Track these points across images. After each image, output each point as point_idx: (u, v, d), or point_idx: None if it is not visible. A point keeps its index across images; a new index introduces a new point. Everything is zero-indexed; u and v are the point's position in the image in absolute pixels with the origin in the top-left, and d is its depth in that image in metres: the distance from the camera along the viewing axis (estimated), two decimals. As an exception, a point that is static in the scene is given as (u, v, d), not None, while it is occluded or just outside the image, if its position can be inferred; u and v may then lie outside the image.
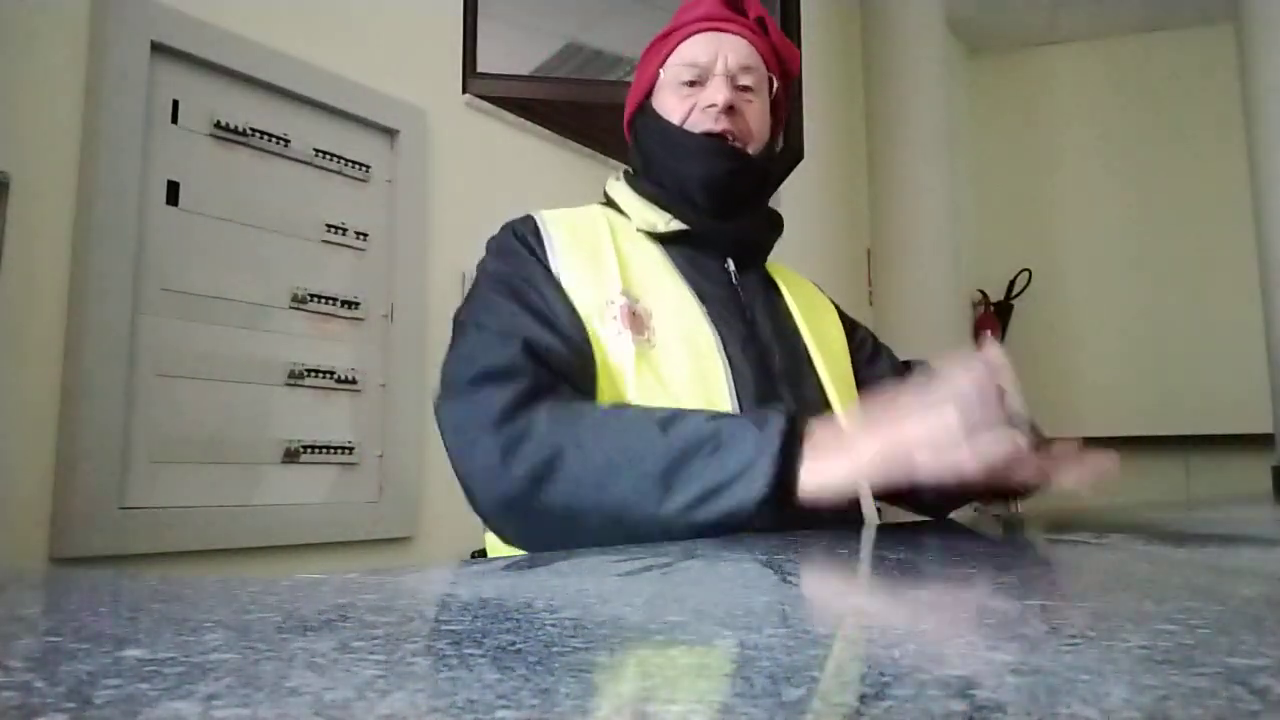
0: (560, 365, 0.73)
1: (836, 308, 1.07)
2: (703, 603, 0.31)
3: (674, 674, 0.21)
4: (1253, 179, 3.05)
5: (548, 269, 0.81)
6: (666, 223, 0.88)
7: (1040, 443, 0.78)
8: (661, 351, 0.79)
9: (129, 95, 1.29)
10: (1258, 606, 0.30)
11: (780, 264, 1.05)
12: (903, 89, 3.32)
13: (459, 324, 0.79)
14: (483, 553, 0.91)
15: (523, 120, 1.97)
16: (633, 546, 0.56)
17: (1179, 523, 0.79)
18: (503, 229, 0.87)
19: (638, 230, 0.89)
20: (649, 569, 0.40)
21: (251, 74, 1.46)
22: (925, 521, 0.86)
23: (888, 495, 0.87)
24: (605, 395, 0.77)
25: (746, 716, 0.16)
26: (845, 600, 0.36)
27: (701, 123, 0.88)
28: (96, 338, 1.22)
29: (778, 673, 0.20)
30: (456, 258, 1.75)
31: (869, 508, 0.85)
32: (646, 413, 0.68)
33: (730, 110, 0.87)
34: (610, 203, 0.94)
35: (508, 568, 0.42)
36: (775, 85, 0.94)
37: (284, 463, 1.46)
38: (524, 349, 0.71)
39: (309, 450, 1.49)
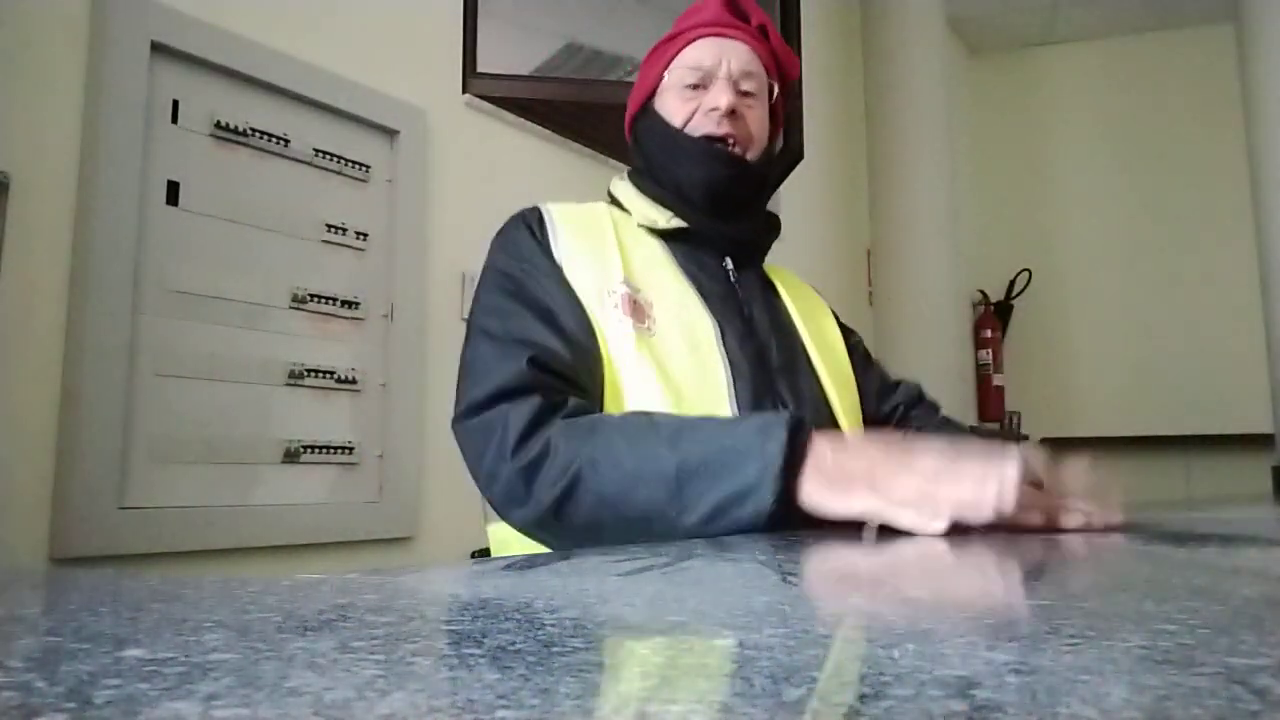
0: (567, 371, 0.76)
1: (834, 313, 1.08)
2: (703, 603, 0.31)
3: (674, 674, 0.21)
4: (1253, 179, 3.05)
5: (551, 259, 0.83)
6: (668, 219, 0.90)
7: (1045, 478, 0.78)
8: (661, 340, 0.81)
9: (129, 95, 1.29)
10: (1258, 606, 0.30)
11: (780, 265, 1.06)
12: (903, 89, 3.33)
13: (470, 327, 0.81)
14: (483, 552, 0.91)
15: (523, 120, 1.97)
16: (633, 546, 0.56)
17: (1179, 523, 0.79)
18: (509, 220, 0.89)
19: (639, 226, 0.91)
20: (649, 569, 0.40)
21: (251, 74, 1.46)
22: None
23: None
24: (607, 382, 0.79)
25: (746, 716, 0.16)
26: (845, 600, 0.36)
27: (704, 126, 0.90)
28: (96, 338, 1.22)
29: (778, 673, 0.20)
30: (456, 258, 1.75)
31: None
32: (655, 424, 0.70)
33: (732, 114, 0.89)
34: (614, 201, 0.96)
35: (508, 568, 0.42)
36: (775, 91, 0.96)
37: (284, 463, 1.46)
38: (531, 362, 0.74)
39: (309, 450, 1.49)
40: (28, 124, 1.21)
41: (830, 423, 0.89)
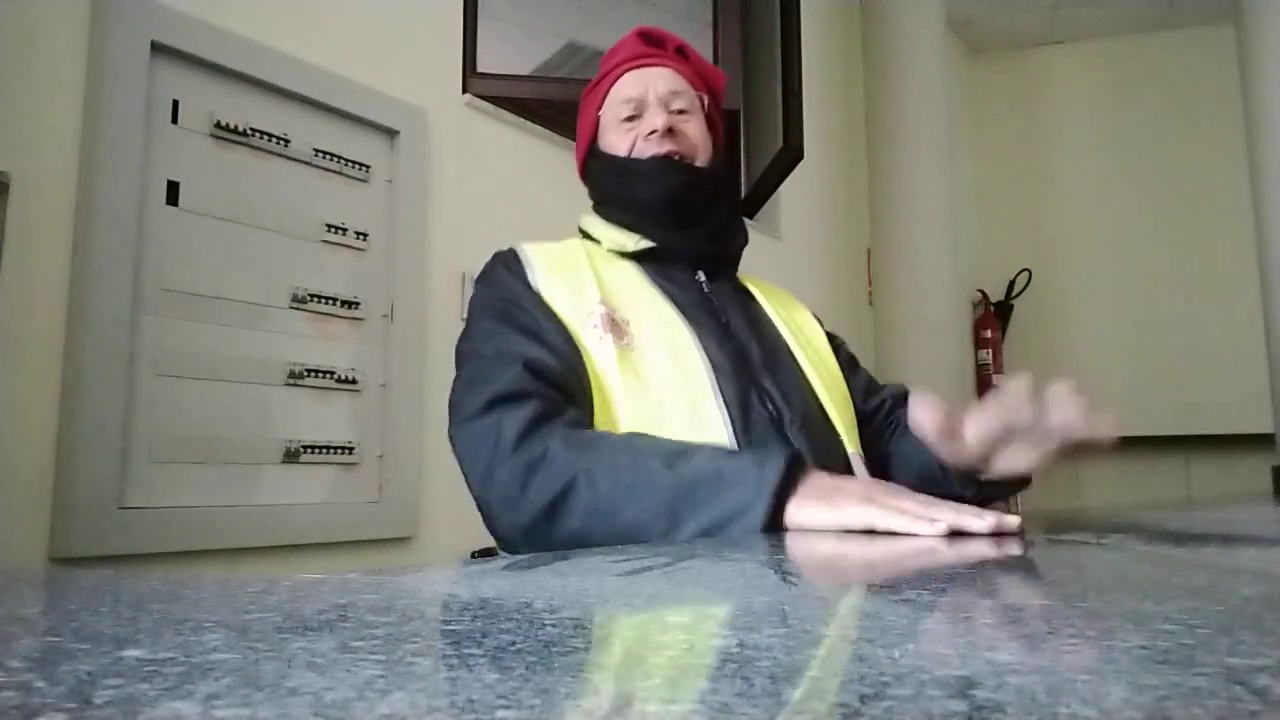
0: (560, 381, 0.78)
1: (818, 320, 1.11)
2: (703, 603, 0.31)
3: (674, 674, 0.21)
4: (1253, 178, 3.05)
5: (531, 289, 0.86)
6: (635, 242, 0.94)
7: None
8: (641, 354, 0.83)
9: (129, 95, 1.29)
10: (1258, 606, 0.30)
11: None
12: (903, 89, 3.32)
13: (460, 354, 0.85)
14: (483, 552, 0.92)
15: (523, 120, 1.97)
16: (633, 546, 0.56)
17: (1179, 523, 0.79)
18: (488, 261, 0.93)
19: (610, 251, 0.95)
20: (649, 569, 0.40)
21: (251, 74, 1.46)
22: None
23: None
24: (595, 399, 0.81)
25: (746, 716, 0.16)
26: (845, 600, 0.36)
27: (647, 149, 0.94)
28: (96, 338, 1.22)
29: (778, 673, 0.20)
30: (456, 258, 1.75)
31: None
32: (655, 445, 0.71)
33: (670, 132, 0.94)
34: (585, 235, 1.00)
35: (508, 568, 0.42)
36: (706, 102, 1.01)
37: (284, 463, 1.46)
38: (526, 369, 0.76)
39: (309, 450, 1.49)
40: (28, 124, 1.21)
41: (819, 413, 0.90)
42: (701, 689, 0.19)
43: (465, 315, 0.90)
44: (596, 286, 0.87)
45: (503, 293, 0.86)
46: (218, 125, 1.42)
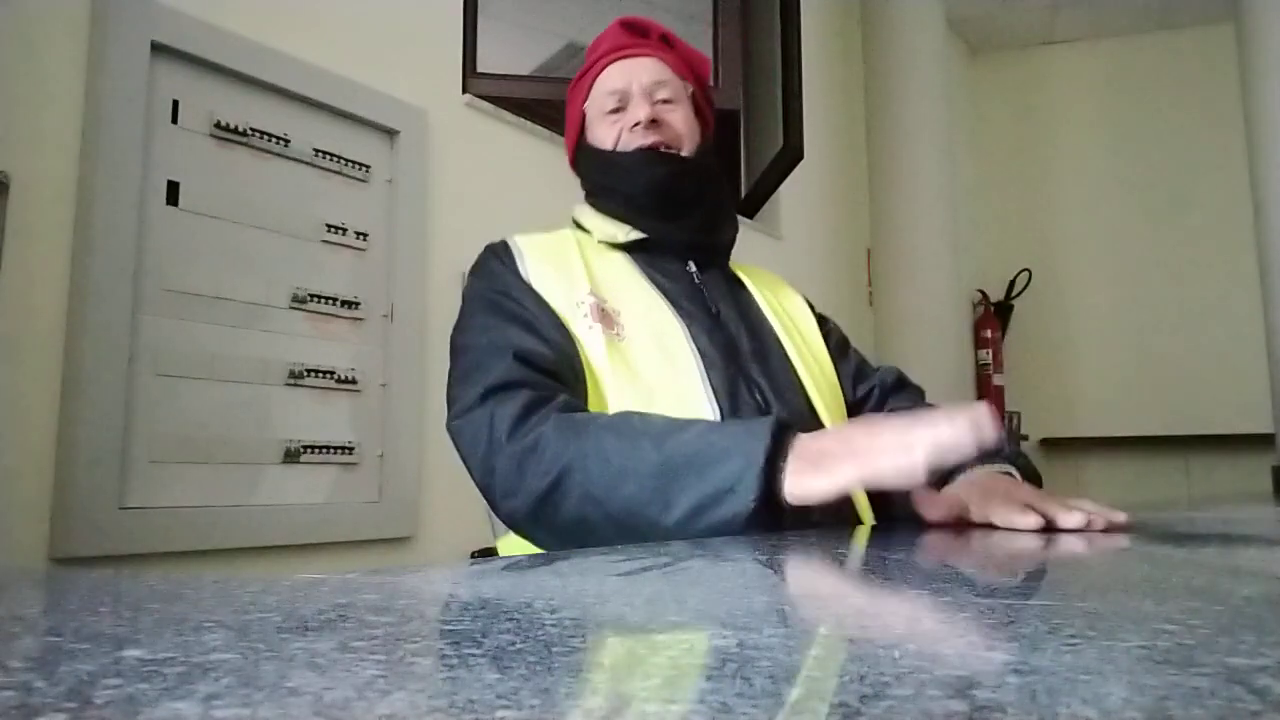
0: (551, 367, 0.79)
1: (810, 306, 1.10)
2: (703, 603, 0.31)
3: (674, 674, 0.21)
4: (1252, 178, 3.05)
5: (523, 280, 0.87)
6: (626, 233, 0.95)
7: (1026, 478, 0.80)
8: (631, 344, 0.84)
9: (129, 95, 1.29)
10: (1258, 606, 0.30)
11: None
12: (903, 89, 3.32)
13: (454, 346, 0.86)
14: (483, 552, 0.92)
15: (523, 120, 1.97)
16: (633, 546, 0.56)
17: (1179, 523, 0.79)
18: (481, 253, 0.93)
19: (600, 242, 0.96)
20: (649, 569, 0.40)
21: (251, 74, 1.46)
22: (923, 522, 0.86)
23: (875, 506, 0.90)
24: (587, 389, 0.81)
25: (746, 716, 0.16)
26: (845, 600, 0.36)
27: (632, 141, 0.95)
28: (96, 338, 1.22)
29: (778, 673, 0.20)
30: (456, 258, 1.75)
31: (863, 506, 0.87)
32: (645, 424, 0.71)
33: (655, 124, 0.94)
34: (578, 225, 1.00)
35: (508, 568, 0.42)
36: (692, 90, 1.01)
37: (284, 463, 1.46)
38: (517, 359, 0.77)
39: (309, 450, 1.49)
40: (28, 124, 1.21)
41: (806, 406, 0.90)
42: (701, 689, 0.19)
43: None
44: (586, 277, 0.88)
45: (495, 284, 0.87)
46: (218, 125, 1.42)
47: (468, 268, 0.94)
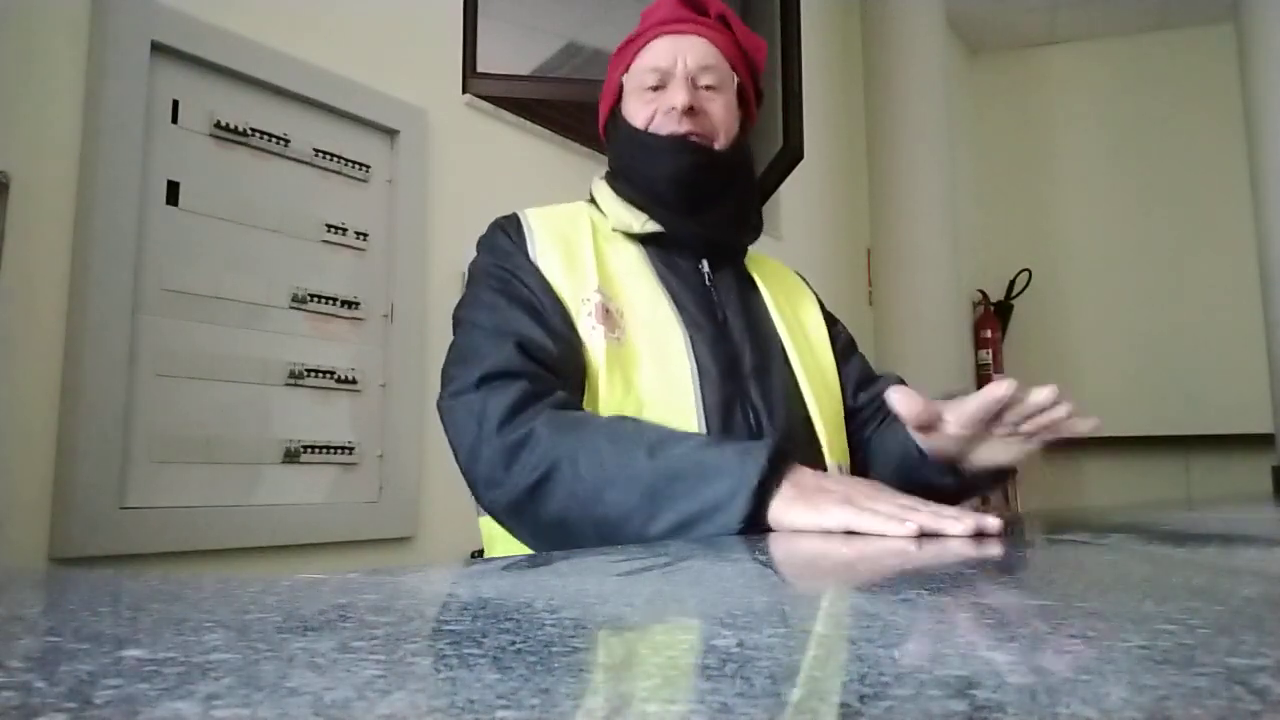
0: (552, 361, 0.77)
1: (819, 302, 1.07)
2: (703, 603, 0.31)
3: (674, 674, 0.21)
4: (1252, 178, 3.05)
5: (531, 262, 0.84)
6: (642, 224, 0.91)
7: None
8: (630, 350, 0.82)
9: (129, 95, 1.29)
10: (1258, 606, 0.30)
11: (766, 256, 1.05)
12: (903, 89, 3.32)
13: (457, 321, 0.83)
14: (483, 552, 0.91)
15: (523, 120, 1.97)
16: (633, 546, 0.56)
17: (1179, 523, 0.79)
18: (490, 226, 0.90)
19: (614, 230, 0.92)
20: (649, 569, 0.40)
21: (251, 74, 1.46)
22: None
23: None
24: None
25: (746, 716, 0.16)
26: (845, 600, 0.36)
27: (665, 125, 0.90)
28: (96, 338, 1.22)
29: (778, 673, 0.20)
30: (456, 258, 1.75)
31: None
32: (640, 431, 0.70)
33: (691, 111, 0.89)
34: (594, 201, 0.97)
35: (508, 568, 0.42)
36: (739, 80, 0.95)
37: (284, 463, 1.46)
38: (518, 348, 0.75)
39: (309, 450, 1.49)
40: (28, 124, 1.21)
41: (804, 421, 0.89)
42: (701, 689, 0.19)
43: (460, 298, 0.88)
44: (595, 270, 0.85)
45: (505, 262, 0.84)
46: (218, 125, 1.42)
47: (467, 267, 0.92)
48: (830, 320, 1.06)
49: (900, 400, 0.74)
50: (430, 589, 0.37)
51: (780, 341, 0.93)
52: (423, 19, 1.80)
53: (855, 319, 3.26)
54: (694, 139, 0.90)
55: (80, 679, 0.18)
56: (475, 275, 0.86)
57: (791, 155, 2.42)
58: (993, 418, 0.75)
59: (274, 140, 1.50)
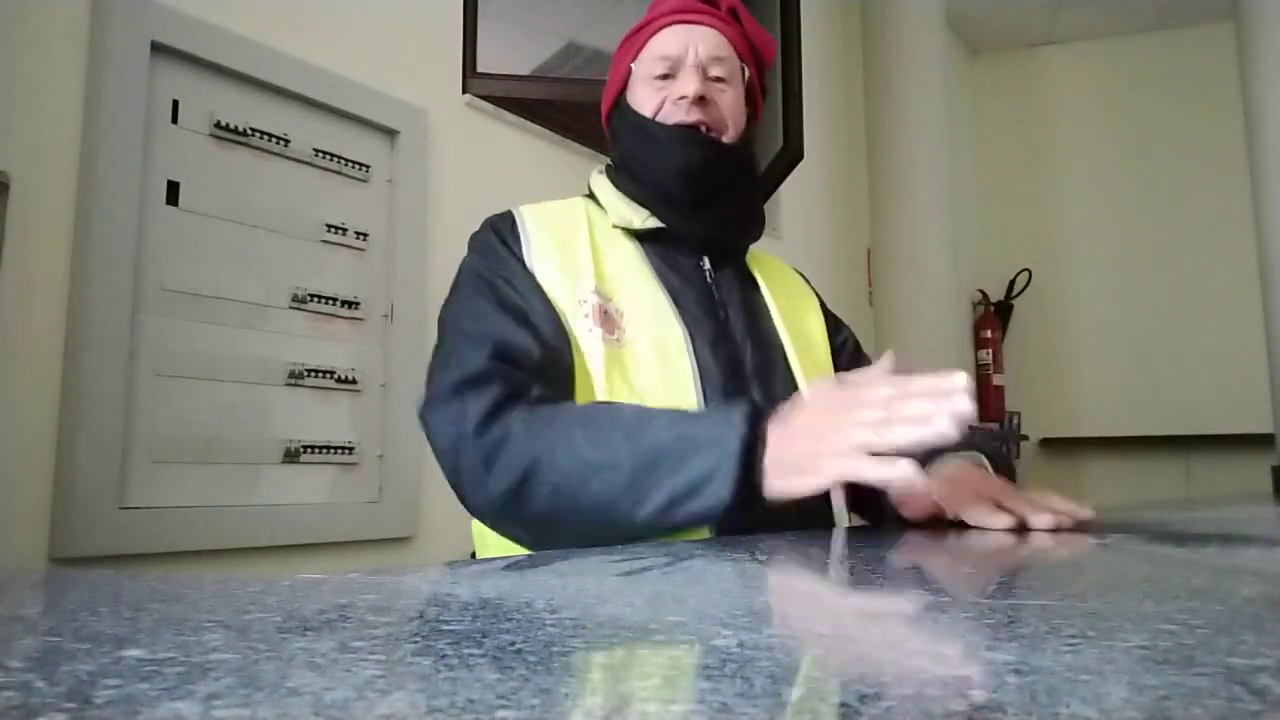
0: (533, 365, 0.75)
1: (822, 304, 1.06)
2: (703, 603, 0.31)
3: (674, 674, 0.21)
4: (1253, 178, 3.05)
5: (524, 264, 0.83)
6: (643, 220, 0.89)
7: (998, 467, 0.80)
8: (630, 352, 0.80)
9: (129, 95, 1.29)
10: (1258, 606, 0.30)
11: (768, 254, 1.04)
12: (903, 89, 3.32)
13: (441, 324, 0.82)
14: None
15: (523, 120, 1.97)
16: (633, 546, 0.56)
17: (1179, 523, 0.79)
18: (483, 225, 0.88)
19: (614, 226, 0.90)
20: (649, 569, 0.40)
21: (251, 74, 1.46)
22: (922, 522, 0.86)
23: (854, 506, 0.90)
24: (578, 391, 0.78)
25: (746, 716, 0.16)
26: (845, 601, 0.36)
27: (674, 115, 0.88)
28: (96, 338, 1.22)
29: (778, 673, 0.20)
30: (456, 258, 1.73)
31: (839, 506, 0.86)
32: (614, 417, 0.69)
33: (702, 101, 0.87)
34: (592, 196, 0.95)
35: (508, 568, 0.42)
36: (748, 74, 0.94)
37: (284, 463, 1.46)
38: (495, 354, 0.74)
39: (309, 450, 1.49)
40: (28, 124, 1.21)
41: None
42: (701, 689, 0.19)
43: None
44: (593, 270, 0.83)
45: (495, 265, 0.83)
46: (218, 125, 1.42)
47: (459, 265, 0.90)
48: (835, 323, 1.04)
49: (906, 509, 0.73)
50: (430, 589, 0.37)
51: (781, 343, 0.92)
52: (423, 19, 1.80)
53: (855, 319, 3.26)
54: (703, 130, 0.88)
55: (80, 679, 0.18)
56: (463, 277, 0.84)
57: (791, 155, 2.42)
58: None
59: (274, 140, 1.50)
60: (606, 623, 0.27)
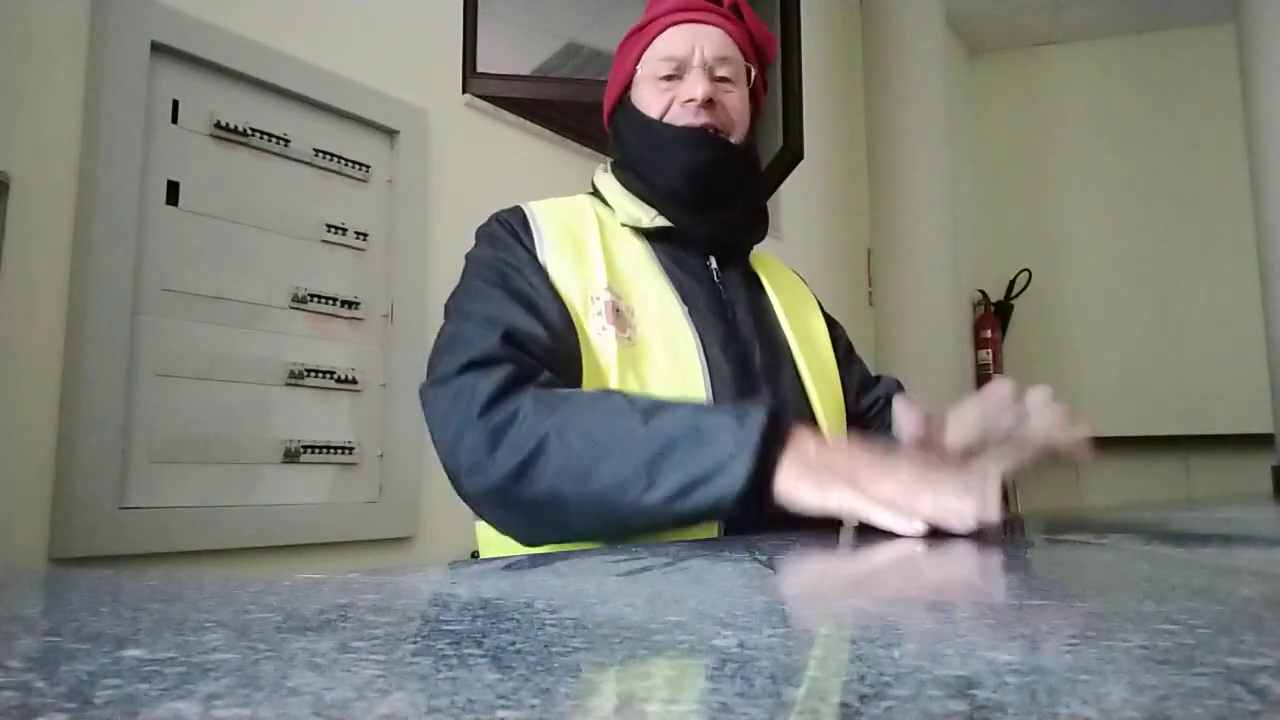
0: (542, 352, 0.75)
1: (818, 303, 1.07)
2: (703, 603, 0.31)
3: (674, 674, 0.21)
4: (1253, 178, 3.05)
5: (536, 258, 0.82)
6: (651, 218, 0.89)
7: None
8: (641, 350, 0.80)
9: (129, 95, 1.29)
10: (1258, 606, 0.30)
11: (769, 255, 1.05)
12: (903, 89, 3.32)
13: (448, 310, 0.82)
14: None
15: (523, 120, 1.97)
16: (633, 546, 0.56)
17: (1179, 523, 0.79)
18: (491, 218, 0.88)
19: (622, 225, 0.90)
20: (649, 569, 0.40)
21: (251, 74, 1.46)
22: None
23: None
24: (589, 387, 0.78)
25: (746, 716, 0.16)
26: (845, 600, 0.36)
27: (681, 117, 0.88)
28: (96, 338, 1.22)
29: (778, 673, 0.20)
30: (456, 258, 1.73)
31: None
32: (629, 401, 0.68)
33: (709, 103, 0.87)
34: (597, 193, 0.94)
35: (508, 568, 0.42)
36: (753, 73, 0.93)
37: (284, 463, 1.46)
38: (505, 337, 0.73)
39: (309, 450, 1.49)
40: (28, 124, 1.21)
41: (811, 422, 0.88)
42: (701, 689, 0.19)
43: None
44: (604, 267, 0.83)
45: (504, 255, 0.82)
46: (218, 125, 1.42)
47: (465, 256, 0.90)
48: (831, 323, 1.05)
49: (903, 419, 0.74)
50: (430, 589, 0.37)
51: (786, 342, 0.92)
52: (423, 19, 1.80)
53: (855, 319, 3.26)
54: (712, 132, 0.88)
55: (80, 679, 0.18)
56: (471, 264, 0.84)
57: (791, 155, 2.42)
58: (992, 423, 0.74)
59: (274, 140, 1.50)
60: (607, 623, 0.27)
